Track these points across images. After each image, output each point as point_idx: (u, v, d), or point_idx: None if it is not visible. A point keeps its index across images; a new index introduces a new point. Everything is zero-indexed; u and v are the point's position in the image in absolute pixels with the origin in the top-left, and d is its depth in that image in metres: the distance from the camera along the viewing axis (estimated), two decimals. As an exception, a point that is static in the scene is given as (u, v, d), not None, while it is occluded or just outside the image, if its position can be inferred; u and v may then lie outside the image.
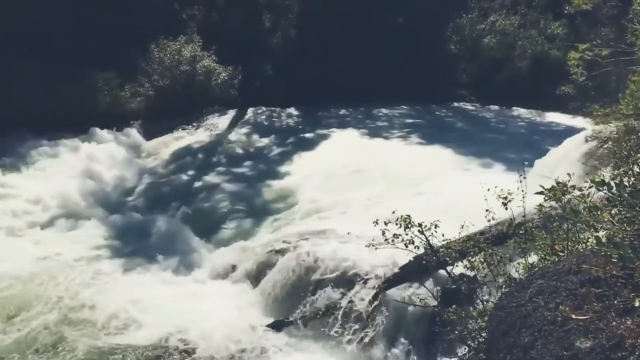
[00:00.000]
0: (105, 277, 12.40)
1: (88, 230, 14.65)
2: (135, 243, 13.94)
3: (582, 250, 3.80)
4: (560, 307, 2.85)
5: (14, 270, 12.36)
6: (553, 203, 4.11)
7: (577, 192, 3.84)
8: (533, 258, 4.65)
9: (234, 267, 12.38)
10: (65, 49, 21.09)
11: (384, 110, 25.20)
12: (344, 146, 19.54)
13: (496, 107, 26.71)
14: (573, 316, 2.73)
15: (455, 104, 27.23)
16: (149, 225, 14.67)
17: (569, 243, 4.21)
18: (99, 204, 16.05)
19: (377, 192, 14.52)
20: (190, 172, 18.72)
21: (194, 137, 21.87)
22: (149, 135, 22.11)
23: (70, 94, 20.94)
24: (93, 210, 15.63)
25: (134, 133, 21.95)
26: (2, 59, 20.20)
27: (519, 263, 4.88)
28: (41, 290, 11.72)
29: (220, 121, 23.50)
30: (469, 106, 27.32)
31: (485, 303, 5.11)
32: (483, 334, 4.37)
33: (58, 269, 12.58)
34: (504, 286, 4.77)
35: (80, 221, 14.98)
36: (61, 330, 10.31)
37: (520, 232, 4.90)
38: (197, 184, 17.77)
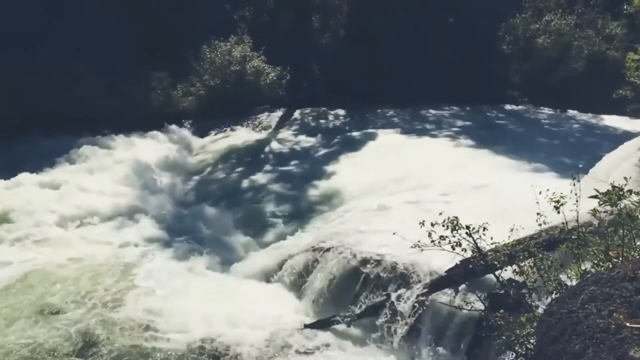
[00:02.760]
0: (147, 276, 12.33)
1: (136, 226, 14.90)
2: (181, 240, 14.14)
3: (638, 256, 3.67)
4: (614, 314, 2.75)
5: (56, 268, 12.47)
6: (608, 208, 3.98)
7: (634, 197, 3.72)
8: (586, 264, 4.52)
9: (278, 266, 12.48)
10: (121, 50, 21.84)
11: (433, 111, 24.89)
12: (391, 147, 19.42)
13: (549, 110, 25.96)
14: (627, 324, 2.64)
15: (507, 106, 26.60)
16: (198, 223, 14.96)
17: (625, 249, 4.07)
18: (149, 201, 16.38)
19: (425, 194, 14.35)
20: (238, 171, 19.09)
21: (242, 136, 22.26)
22: (199, 133, 22.72)
23: (125, 92, 21.68)
24: (143, 207, 15.93)
25: (185, 131, 22.55)
26: (62, 60, 20.97)
27: (570, 269, 4.74)
28: (81, 288, 11.73)
29: (269, 120, 23.84)
30: (521, 108, 26.65)
31: (534, 309, 4.98)
32: (531, 340, 4.28)
33: (101, 267, 12.68)
34: (554, 292, 4.65)
35: (130, 218, 15.28)
36: (96, 329, 10.19)
37: (573, 237, 4.76)
38: (245, 182, 18.09)
